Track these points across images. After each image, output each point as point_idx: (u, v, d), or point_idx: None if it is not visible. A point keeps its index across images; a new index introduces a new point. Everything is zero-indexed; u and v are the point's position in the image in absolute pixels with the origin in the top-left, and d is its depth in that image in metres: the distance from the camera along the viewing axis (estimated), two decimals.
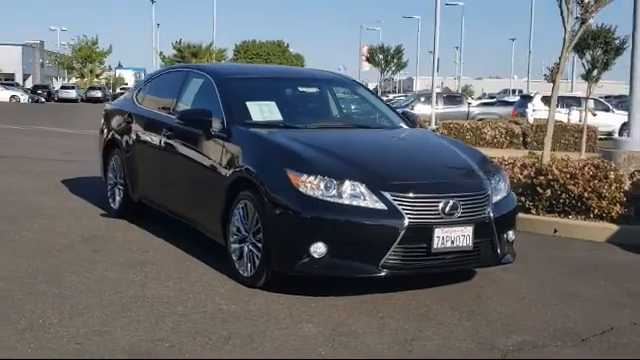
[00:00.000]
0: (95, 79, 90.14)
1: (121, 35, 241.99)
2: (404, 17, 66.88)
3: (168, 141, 7.55)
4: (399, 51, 42.33)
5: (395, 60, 41.69)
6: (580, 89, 53.10)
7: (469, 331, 5.34)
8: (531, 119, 28.79)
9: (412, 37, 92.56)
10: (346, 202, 5.68)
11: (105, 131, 9.31)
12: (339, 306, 5.76)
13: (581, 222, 8.58)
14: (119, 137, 8.74)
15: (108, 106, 9.79)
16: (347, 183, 5.72)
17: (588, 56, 19.45)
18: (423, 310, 5.76)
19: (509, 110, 34.13)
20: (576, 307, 6.02)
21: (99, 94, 73.19)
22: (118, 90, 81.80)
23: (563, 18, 10.10)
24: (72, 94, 70.09)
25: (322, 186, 5.71)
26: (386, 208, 5.65)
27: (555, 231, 8.55)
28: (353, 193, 5.71)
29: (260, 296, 5.93)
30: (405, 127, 7.51)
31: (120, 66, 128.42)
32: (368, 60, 41.48)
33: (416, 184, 5.85)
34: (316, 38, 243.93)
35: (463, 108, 35.67)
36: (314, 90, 7.95)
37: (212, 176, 6.71)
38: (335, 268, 5.73)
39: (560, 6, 10.07)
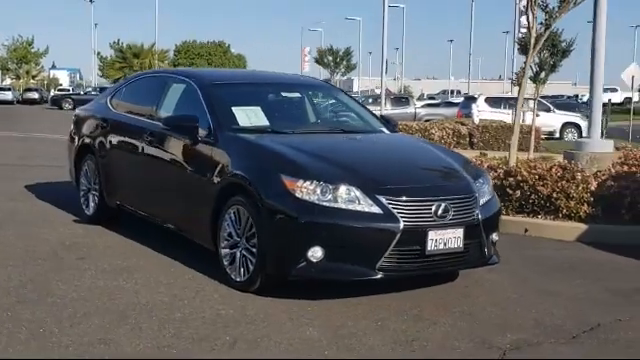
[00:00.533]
0: (32, 80, 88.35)
1: (56, 35, 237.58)
2: (347, 19, 67.45)
3: (150, 147, 7.54)
4: (348, 53, 42.61)
5: (344, 62, 41.94)
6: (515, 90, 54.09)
7: (465, 331, 5.48)
8: (477, 120, 29.29)
9: (352, 38, 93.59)
10: (342, 206, 5.77)
11: (76, 137, 9.23)
12: (334, 309, 5.85)
13: (551, 222, 8.83)
14: (93, 143, 8.68)
15: (79, 111, 9.70)
16: (342, 188, 5.82)
17: (536, 58, 19.83)
18: (416, 311, 5.88)
19: (454, 111, 34.67)
20: (560, 305, 6.21)
21: (36, 95, 71.47)
22: (55, 92, 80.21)
23: (529, 23, 10.40)
24: (8, 96, 68.33)
25: (318, 191, 5.79)
26: (382, 212, 5.76)
27: (526, 231, 8.78)
28: (348, 198, 5.81)
29: (255, 300, 5.98)
30: (386, 131, 7.64)
31: (54, 66, 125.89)
32: (318, 62, 41.63)
33: (409, 188, 5.98)
34: (258, 39, 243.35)
35: (410, 109, 36.16)
36: (296, 95, 8.02)
37: (200, 182, 6.74)
38: (332, 271, 5.82)
39: (526, 12, 10.37)
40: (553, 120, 33.33)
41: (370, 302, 6.04)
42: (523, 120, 30.15)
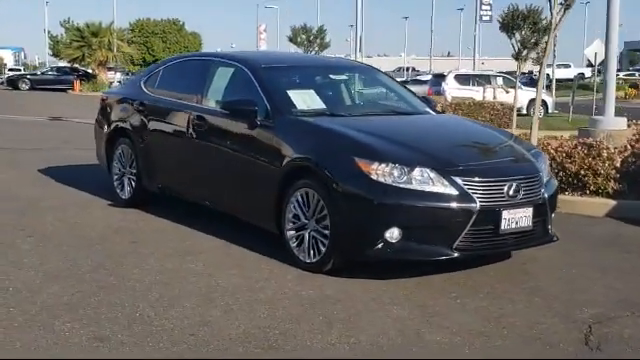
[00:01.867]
0: None
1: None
2: None
3: (199, 131, 7.55)
4: (322, 31, 42.60)
5: (318, 40, 41.91)
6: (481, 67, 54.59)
7: (543, 307, 5.64)
8: (449, 97, 29.63)
9: (310, 15, 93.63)
10: (418, 188, 5.88)
11: (106, 121, 9.20)
12: (409, 288, 5.98)
13: (579, 198, 9.06)
14: (129, 127, 8.66)
15: (106, 95, 9.64)
16: (417, 170, 5.92)
17: (518, 36, 20.13)
18: (488, 288, 6.04)
19: (424, 89, 34.90)
20: (619, 279, 6.42)
21: None
22: (7, 72, 78.40)
23: (550, 4, 10.63)
24: None
25: (395, 173, 5.89)
26: (457, 192, 5.89)
27: None
28: (422, 179, 5.92)
29: (329, 281, 6.08)
30: (432, 112, 7.78)
31: None
32: (291, 40, 41.53)
33: (482, 168, 6.12)
34: (212, 16, 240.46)
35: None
36: (344, 77, 8.07)
37: (259, 166, 6.79)
38: (409, 252, 5.94)
39: None
40: (520, 96, 33.72)
41: (439, 280, 6.19)
42: (494, 97, 30.76)
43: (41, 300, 5.47)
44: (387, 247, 5.90)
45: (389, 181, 5.89)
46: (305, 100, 7.08)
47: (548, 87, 47.30)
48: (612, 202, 8.90)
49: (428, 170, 5.94)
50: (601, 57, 34.77)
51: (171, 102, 8.14)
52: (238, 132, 7.08)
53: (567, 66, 71.77)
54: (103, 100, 9.51)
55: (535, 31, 20.46)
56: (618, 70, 78.85)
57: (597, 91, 34.33)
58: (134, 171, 8.57)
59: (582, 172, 9.05)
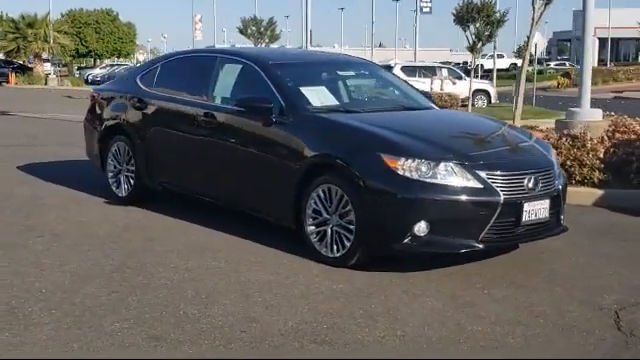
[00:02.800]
0: None
1: None
2: None
3: (207, 128, 7.55)
4: (272, 23, 42.53)
5: (269, 32, 41.85)
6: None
7: (566, 295, 5.87)
8: None
9: (247, 6, 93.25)
10: (443, 182, 6.05)
11: (98, 118, 9.12)
12: (435, 279, 6.15)
13: (568, 188, 9.35)
14: (125, 124, 8.61)
15: (97, 92, 9.53)
16: (442, 164, 6.09)
17: (473, 29, 20.54)
18: (509, 278, 6.24)
19: None
20: (624, 267, 6.68)
21: None
22: None
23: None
24: None
25: (423, 168, 6.04)
26: (482, 186, 6.08)
27: None
28: (447, 174, 6.08)
29: (356, 275, 6.19)
30: (435, 107, 7.96)
31: None
32: (242, 32, 41.39)
33: (504, 162, 6.34)
34: (146, 6, 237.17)
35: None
36: (350, 74, 8.18)
37: (277, 163, 6.86)
38: (435, 245, 6.10)
39: None
40: (466, 87, 34.34)
41: (460, 271, 6.37)
42: (441, 88, 31.22)
43: (79, 301, 5.46)
44: (414, 241, 6.05)
45: (415, 176, 6.04)
46: (319, 97, 7.18)
47: (484, 77, 48.06)
48: (599, 192, 9.22)
49: (452, 164, 6.10)
50: (540, 48, 35.68)
51: (174, 99, 8.10)
52: (252, 129, 7.13)
53: (501, 56, 73.00)
54: (93, 97, 9.41)
55: (489, 23, 20.94)
56: (548, 60, 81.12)
57: (535, 81, 35.29)
58: (132, 168, 8.53)
59: (568, 163, 9.35)
